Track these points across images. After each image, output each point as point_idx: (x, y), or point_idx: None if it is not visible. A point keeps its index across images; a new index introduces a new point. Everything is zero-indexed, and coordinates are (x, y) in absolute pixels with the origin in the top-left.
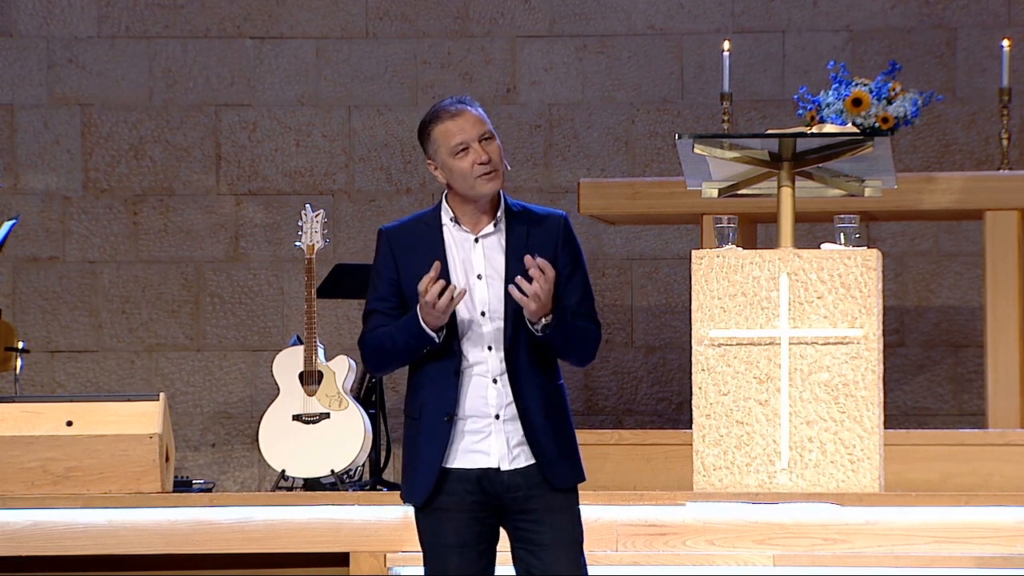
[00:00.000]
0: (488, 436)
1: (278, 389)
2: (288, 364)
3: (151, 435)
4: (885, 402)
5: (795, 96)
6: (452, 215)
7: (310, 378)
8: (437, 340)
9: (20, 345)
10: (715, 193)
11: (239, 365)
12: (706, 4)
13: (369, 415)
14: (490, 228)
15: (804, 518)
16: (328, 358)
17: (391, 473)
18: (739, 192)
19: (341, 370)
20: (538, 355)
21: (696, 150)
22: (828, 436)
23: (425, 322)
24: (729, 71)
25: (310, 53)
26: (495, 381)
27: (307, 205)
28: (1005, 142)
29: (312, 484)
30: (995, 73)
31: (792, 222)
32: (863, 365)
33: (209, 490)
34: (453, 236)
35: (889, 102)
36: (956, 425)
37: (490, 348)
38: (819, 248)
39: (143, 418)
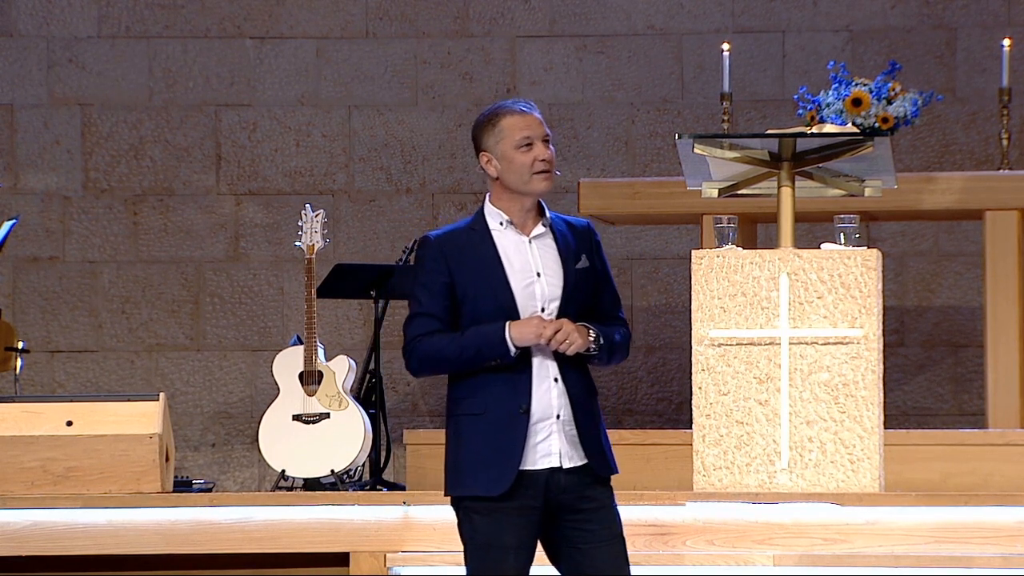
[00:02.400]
0: (550, 436)
1: (278, 389)
2: (288, 364)
3: (151, 435)
4: (885, 402)
5: (795, 96)
6: (504, 218)
7: (310, 378)
8: (513, 357)
9: (20, 345)
10: (715, 193)
11: (239, 365)
12: (706, 4)
13: (369, 415)
14: (541, 229)
15: (804, 518)
16: (328, 358)
17: (391, 473)
18: (739, 192)
19: (341, 370)
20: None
21: (696, 150)
22: (828, 436)
23: (520, 338)
24: (729, 71)
25: (310, 53)
26: (556, 380)
27: (307, 205)
28: (1005, 142)
29: (312, 484)
30: (995, 73)
31: (792, 222)
32: (863, 365)
33: (209, 490)
34: (507, 239)
35: (889, 102)
36: (956, 425)
37: (548, 344)
38: (819, 248)
39: (143, 418)
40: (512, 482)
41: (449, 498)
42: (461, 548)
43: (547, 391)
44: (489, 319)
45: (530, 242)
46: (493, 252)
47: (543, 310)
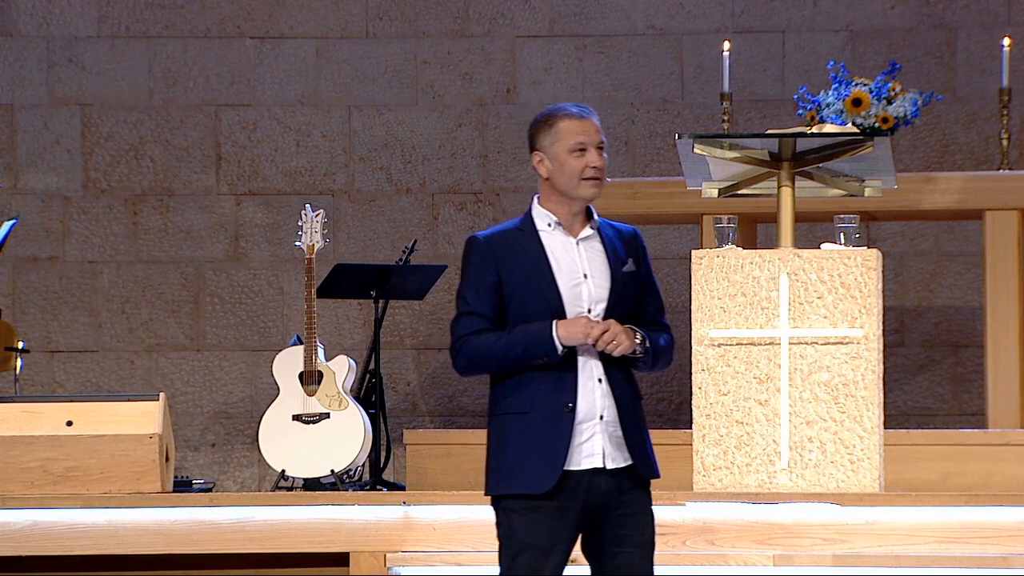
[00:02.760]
0: (593, 436)
1: (278, 389)
2: (288, 364)
3: (151, 435)
4: (885, 402)
5: (795, 96)
6: (552, 220)
7: (310, 378)
8: (559, 356)
9: (20, 345)
10: (715, 193)
11: (239, 365)
12: (706, 4)
13: (369, 415)
14: (589, 231)
15: (804, 518)
16: (328, 358)
17: (391, 473)
18: (739, 192)
19: (341, 370)
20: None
21: (696, 150)
22: (828, 436)
23: (567, 337)
24: (729, 71)
25: (310, 53)
26: (600, 381)
27: (307, 205)
28: (1005, 142)
29: (312, 484)
30: (995, 73)
31: (792, 222)
32: (863, 365)
33: (209, 490)
34: (554, 240)
35: (889, 102)
36: (956, 425)
37: (594, 344)
38: (819, 248)
39: (143, 418)
40: (557, 481)
41: (489, 499)
42: (461, 548)
43: (591, 391)
44: (536, 319)
45: (577, 244)
46: (541, 253)
47: (589, 311)
